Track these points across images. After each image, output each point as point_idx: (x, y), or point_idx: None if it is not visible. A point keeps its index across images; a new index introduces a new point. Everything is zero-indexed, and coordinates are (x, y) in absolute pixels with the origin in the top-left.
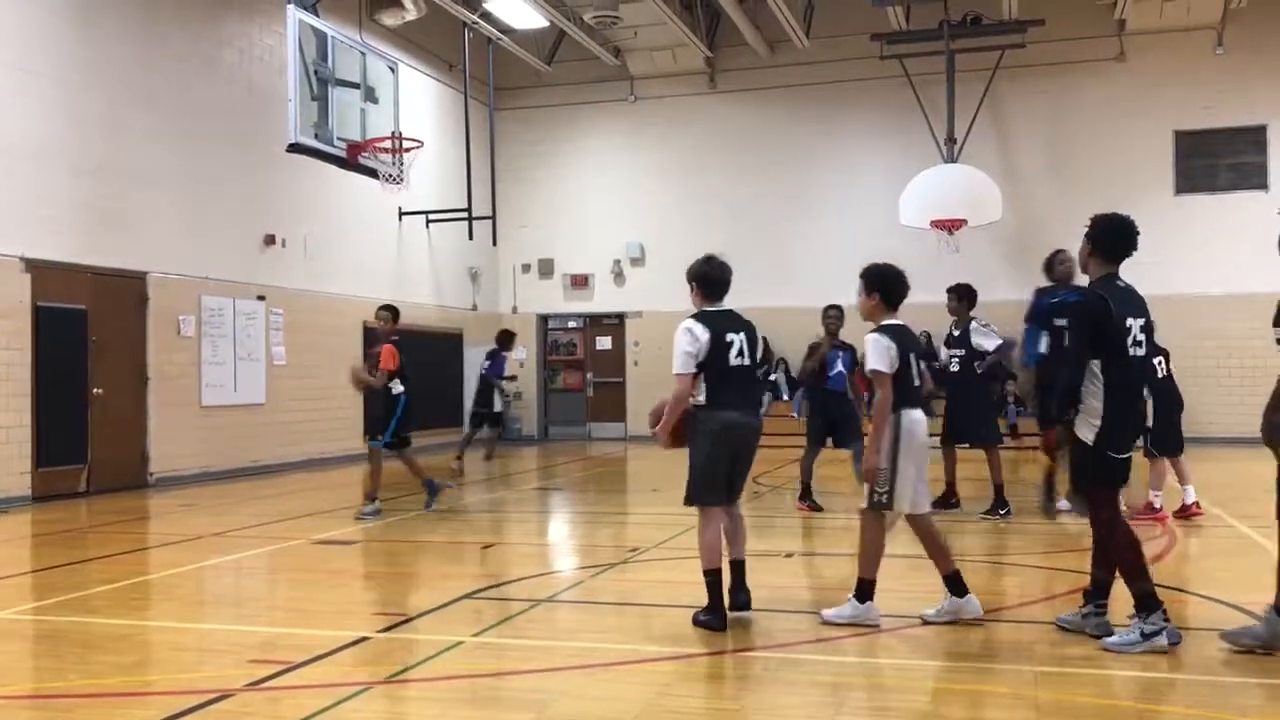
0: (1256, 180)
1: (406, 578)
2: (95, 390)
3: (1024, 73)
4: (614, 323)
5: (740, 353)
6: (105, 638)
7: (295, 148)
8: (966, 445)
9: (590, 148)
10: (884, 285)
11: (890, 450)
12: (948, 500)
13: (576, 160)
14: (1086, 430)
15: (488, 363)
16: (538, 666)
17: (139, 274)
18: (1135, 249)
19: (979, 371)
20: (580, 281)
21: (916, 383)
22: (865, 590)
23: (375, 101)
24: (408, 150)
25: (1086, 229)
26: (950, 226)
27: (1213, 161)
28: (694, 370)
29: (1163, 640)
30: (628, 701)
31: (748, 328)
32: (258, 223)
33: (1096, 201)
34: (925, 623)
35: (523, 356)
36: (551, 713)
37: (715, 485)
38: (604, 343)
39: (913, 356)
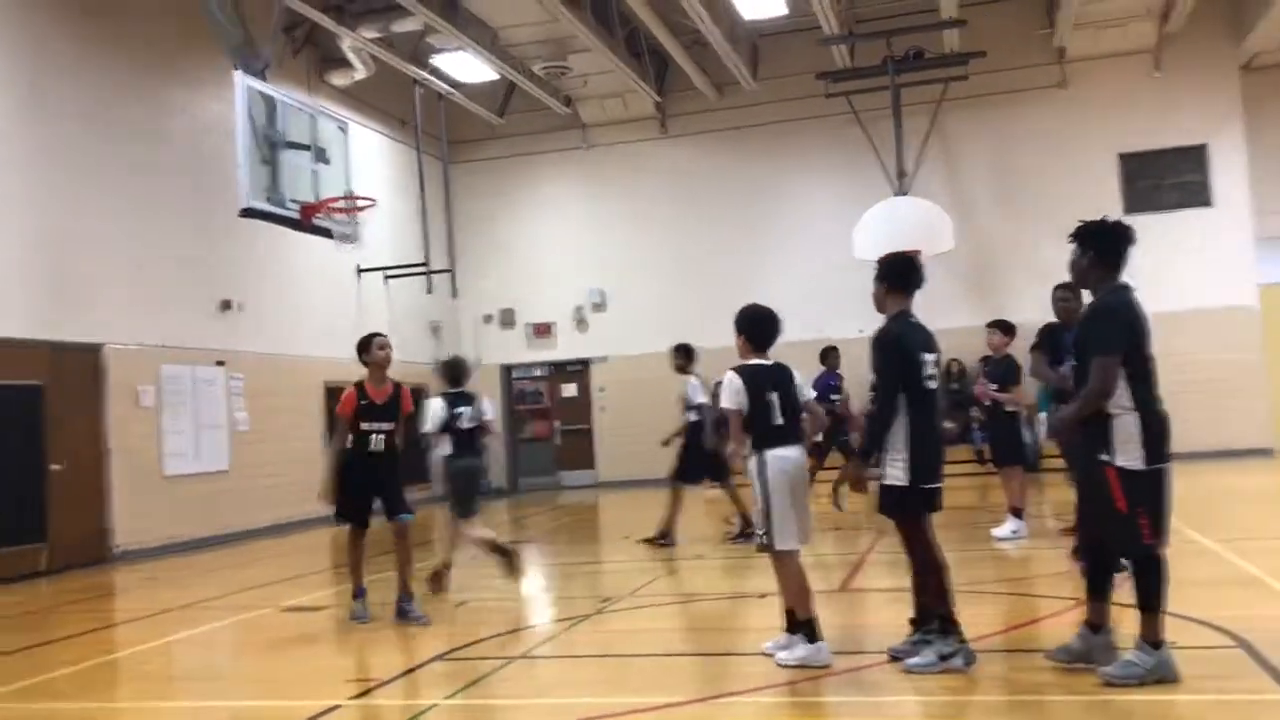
0: (1200, 198)
1: (378, 641)
2: (54, 466)
3: (969, 104)
4: (578, 369)
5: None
6: None
7: (247, 212)
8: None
9: (546, 196)
10: (750, 327)
11: (763, 491)
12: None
13: (533, 209)
14: (895, 465)
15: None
16: None
17: (95, 346)
18: (923, 282)
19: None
20: (543, 330)
21: (779, 421)
22: (810, 630)
23: (327, 162)
24: (362, 209)
25: (877, 273)
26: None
27: (1157, 181)
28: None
29: (959, 661)
30: None
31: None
32: (214, 288)
33: (1048, 227)
34: (774, 660)
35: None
36: None
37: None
38: (569, 390)
39: (775, 396)
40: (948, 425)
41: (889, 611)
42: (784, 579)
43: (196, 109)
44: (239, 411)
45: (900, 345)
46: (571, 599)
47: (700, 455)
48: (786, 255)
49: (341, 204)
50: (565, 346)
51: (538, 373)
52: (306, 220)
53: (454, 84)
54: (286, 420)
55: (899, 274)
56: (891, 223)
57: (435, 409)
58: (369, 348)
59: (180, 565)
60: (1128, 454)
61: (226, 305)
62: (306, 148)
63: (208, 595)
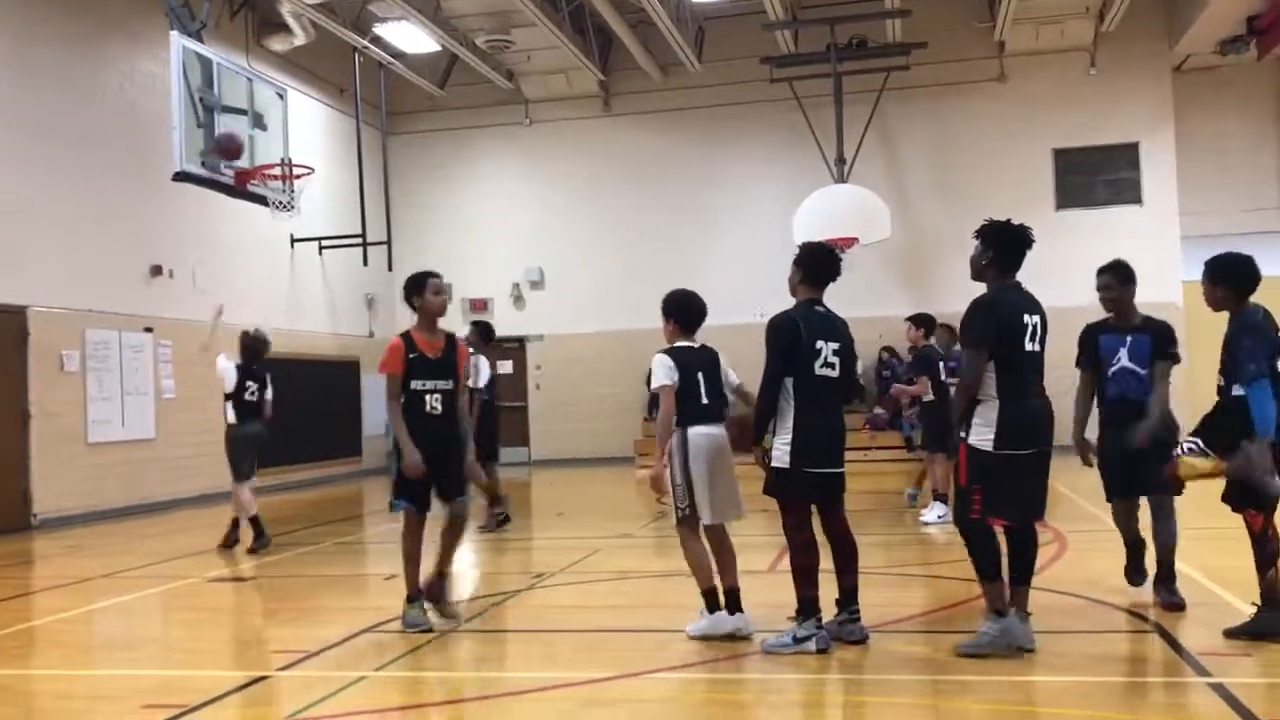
0: (1131, 195)
1: (306, 613)
2: None
3: (909, 94)
4: (514, 346)
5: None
6: None
7: (181, 176)
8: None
9: (486, 172)
10: (678, 311)
11: (683, 465)
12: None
13: (473, 184)
14: (780, 447)
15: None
16: (442, 699)
17: (18, 308)
18: (838, 275)
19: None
20: (480, 305)
21: (704, 401)
22: (710, 601)
23: (264, 128)
24: (298, 177)
25: (795, 257)
26: (843, 245)
27: (1090, 178)
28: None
29: (812, 645)
30: None
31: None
32: (144, 253)
33: (981, 218)
34: (690, 638)
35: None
36: None
37: None
38: (505, 367)
39: (701, 376)
40: (878, 411)
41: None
42: (689, 550)
43: (130, 67)
44: (166, 379)
45: (788, 331)
46: (503, 574)
47: (484, 434)
48: (727, 238)
49: (278, 171)
50: (502, 323)
51: (473, 349)
52: (241, 187)
53: (395, 54)
54: (215, 390)
55: (815, 264)
56: (830, 209)
57: (228, 373)
58: (421, 289)
59: (103, 533)
60: (979, 434)
61: (157, 271)
62: (243, 112)
63: (131, 564)
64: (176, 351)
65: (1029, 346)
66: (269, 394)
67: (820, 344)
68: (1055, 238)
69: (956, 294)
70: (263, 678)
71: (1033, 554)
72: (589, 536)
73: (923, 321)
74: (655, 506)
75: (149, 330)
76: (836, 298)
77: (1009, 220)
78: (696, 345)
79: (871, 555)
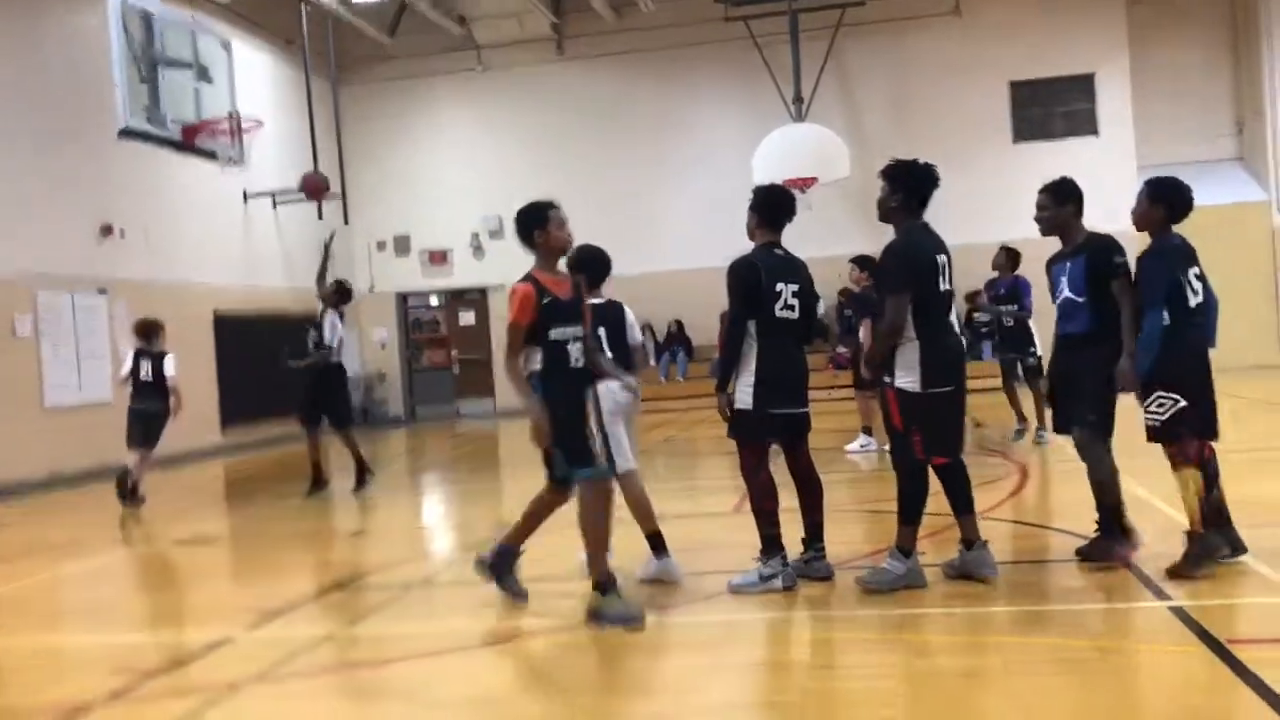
0: (1087, 126)
1: (274, 572)
2: None
3: (865, 30)
4: (476, 297)
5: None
6: None
7: (126, 133)
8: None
9: (441, 120)
10: (584, 268)
11: (595, 418)
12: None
13: (428, 134)
14: (743, 389)
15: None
16: (413, 652)
17: None
18: (793, 215)
19: None
20: (438, 257)
21: (609, 355)
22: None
23: (209, 81)
24: (247, 131)
25: (750, 202)
26: (802, 185)
27: (1047, 110)
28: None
29: (778, 583)
30: (507, 679)
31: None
32: (93, 213)
33: (939, 154)
34: (640, 581)
35: (384, 337)
36: (429, 697)
37: None
38: (467, 318)
39: (604, 331)
40: (841, 350)
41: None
42: (590, 501)
43: (70, 21)
44: (123, 341)
45: (748, 275)
46: (470, 526)
47: (330, 397)
48: (686, 181)
49: (225, 125)
50: (462, 274)
51: (434, 301)
52: (189, 142)
53: (343, 1)
54: (173, 350)
55: (771, 206)
56: (789, 149)
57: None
58: (543, 221)
59: (64, 498)
60: (905, 377)
61: (107, 231)
62: (188, 66)
63: (94, 529)
64: (132, 312)
65: (943, 286)
66: (169, 369)
67: (780, 286)
68: (1013, 171)
69: None
70: (231, 639)
71: (968, 484)
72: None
73: (865, 263)
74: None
75: (102, 292)
76: (796, 238)
77: (915, 159)
78: (603, 300)
79: (836, 492)
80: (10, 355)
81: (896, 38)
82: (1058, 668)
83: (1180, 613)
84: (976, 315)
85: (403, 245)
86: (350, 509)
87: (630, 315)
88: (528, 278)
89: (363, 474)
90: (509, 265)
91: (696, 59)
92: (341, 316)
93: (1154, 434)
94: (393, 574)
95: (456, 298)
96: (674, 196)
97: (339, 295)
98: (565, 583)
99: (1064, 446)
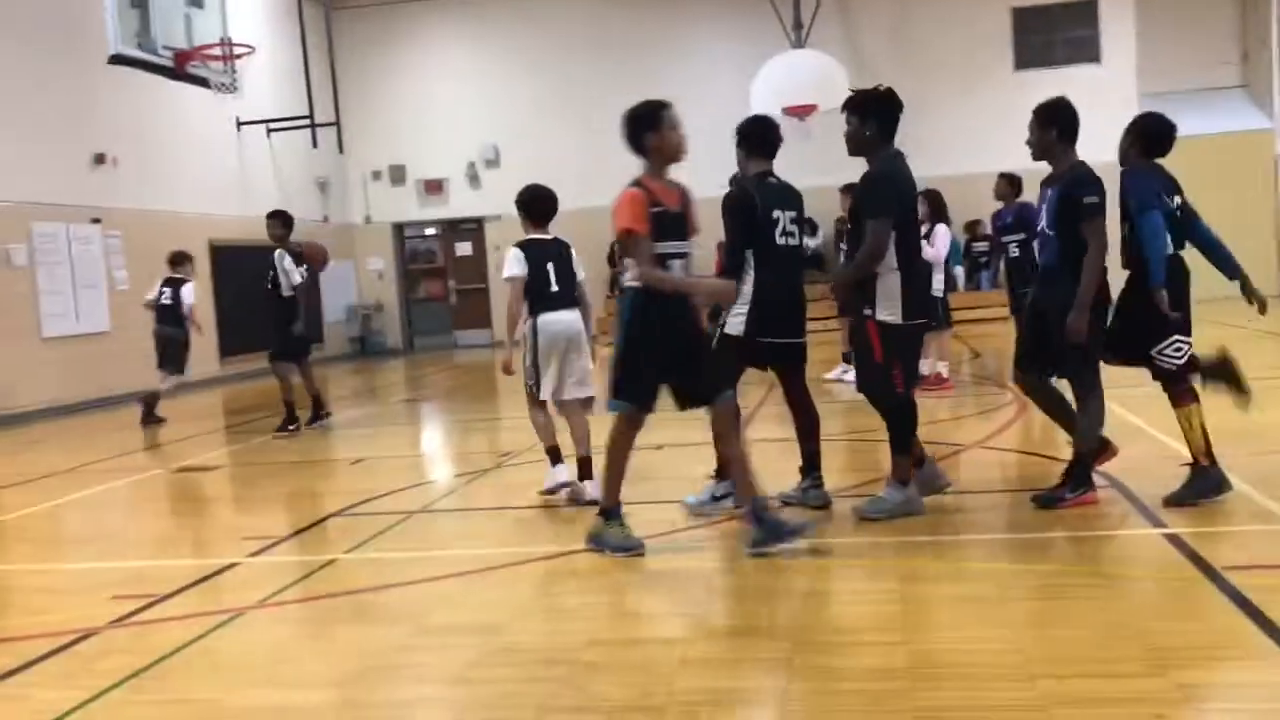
0: (1089, 53)
1: (274, 500)
2: None
3: None
4: (473, 228)
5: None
6: None
7: (117, 59)
8: None
9: (436, 47)
10: (529, 206)
11: (531, 349)
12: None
13: (422, 60)
14: (735, 316)
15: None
16: (413, 578)
17: None
18: (781, 142)
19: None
20: (434, 187)
21: (554, 289)
22: (553, 458)
23: (200, 6)
24: (239, 56)
25: (736, 139)
26: (802, 113)
27: (1049, 37)
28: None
29: (728, 504)
30: (505, 604)
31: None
32: (85, 141)
33: (939, 81)
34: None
35: (380, 267)
36: (429, 622)
37: None
38: (464, 249)
39: (551, 266)
40: None
41: (782, 461)
42: (533, 418)
43: None
44: (118, 270)
45: (745, 204)
46: (470, 454)
47: (290, 336)
48: (684, 108)
49: (217, 51)
50: (458, 204)
51: (430, 231)
52: (181, 68)
53: None
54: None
55: (759, 137)
56: (788, 76)
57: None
58: (657, 122)
59: (65, 428)
60: (888, 309)
61: (100, 159)
62: None
63: (95, 458)
64: (127, 242)
65: (918, 216)
66: (186, 298)
67: (778, 213)
68: (1014, 99)
69: (918, 158)
70: (232, 565)
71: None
72: (556, 415)
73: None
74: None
75: (96, 221)
76: (797, 167)
77: (877, 86)
78: (549, 237)
79: (834, 422)
80: (6, 285)
81: None
82: (1054, 593)
83: (1176, 540)
84: (975, 245)
85: (398, 175)
86: (346, 439)
87: (574, 252)
88: (636, 183)
89: (291, 417)
90: (506, 195)
91: None
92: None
93: (1168, 375)
94: (392, 501)
95: (453, 228)
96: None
97: (286, 228)
98: (576, 508)
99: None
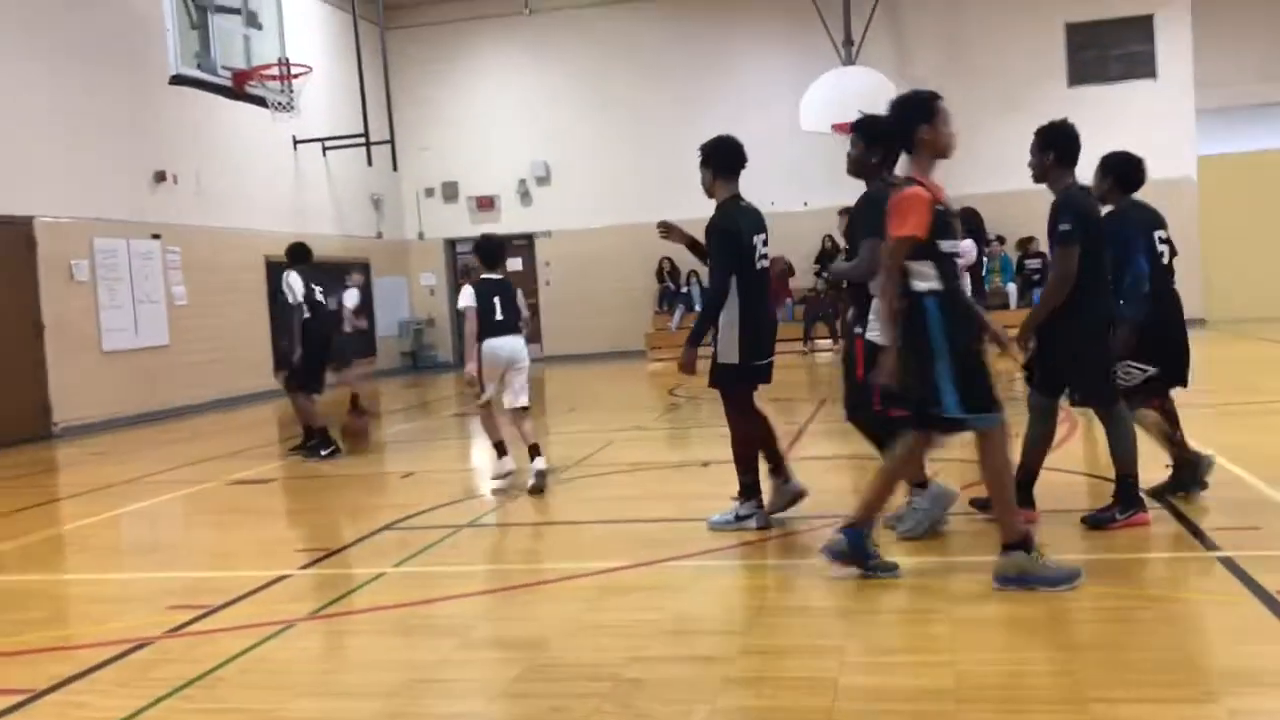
0: (1145, 69)
1: (326, 513)
2: None
3: None
4: (523, 244)
5: None
6: (15, 595)
7: (178, 79)
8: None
9: (488, 65)
10: (482, 252)
11: (479, 367)
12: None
13: (475, 78)
14: (728, 344)
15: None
16: (461, 592)
17: (25, 219)
18: (745, 161)
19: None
20: (486, 203)
21: (499, 318)
22: (499, 450)
23: (259, 27)
24: (296, 76)
25: (700, 159)
26: (850, 130)
27: (1103, 52)
28: None
29: (752, 523)
30: (551, 619)
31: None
32: (146, 159)
33: (993, 98)
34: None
35: (432, 283)
36: (475, 636)
37: None
38: (514, 264)
39: (497, 300)
40: None
41: (830, 478)
42: (482, 422)
43: None
44: (177, 286)
45: (732, 235)
46: (518, 470)
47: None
48: (733, 126)
49: (275, 71)
50: (509, 220)
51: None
52: (239, 88)
53: None
54: (226, 295)
55: (726, 156)
56: (838, 94)
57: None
58: (930, 114)
59: (123, 441)
60: (878, 329)
61: (161, 177)
62: (237, 11)
63: (153, 470)
64: (185, 257)
65: None
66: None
67: (755, 239)
68: (1068, 115)
69: (965, 178)
70: (285, 576)
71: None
72: (602, 430)
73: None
74: (668, 399)
75: (157, 237)
76: (848, 186)
77: (903, 101)
78: (497, 277)
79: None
80: (69, 300)
81: None
82: (1105, 616)
83: (1229, 563)
84: (1027, 262)
85: (450, 192)
86: (400, 453)
87: (519, 292)
88: (910, 181)
89: (309, 439)
90: (557, 211)
91: (746, 2)
92: (302, 275)
93: (1120, 393)
94: (441, 516)
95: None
96: None
97: (292, 255)
98: (622, 524)
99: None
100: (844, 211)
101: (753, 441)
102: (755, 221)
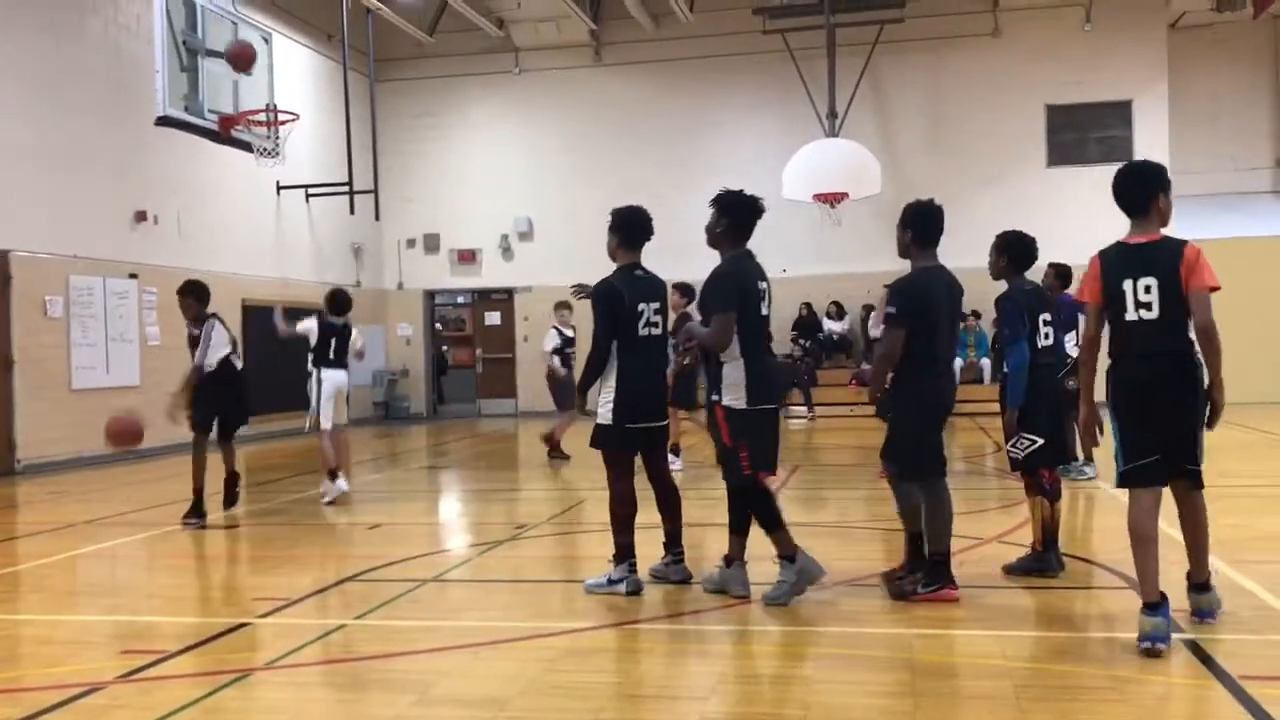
0: (1122, 153)
1: (288, 561)
2: None
3: (903, 47)
4: (503, 298)
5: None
6: None
7: (164, 120)
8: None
9: (475, 121)
10: (330, 301)
11: (317, 394)
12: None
13: (461, 133)
14: (604, 405)
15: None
16: (422, 647)
17: (1, 253)
18: (651, 235)
19: None
20: (467, 257)
21: (333, 356)
22: (331, 475)
23: (248, 73)
24: (283, 123)
25: (609, 224)
26: (832, 200)
27: (1082, 135)
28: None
29: (623, 588)
30: (512, 679)
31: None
32: (128, 198)
33: (972, 175)
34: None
35: (409, 333)
36: (435, 693)
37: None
38: (493, 318)
39: (333, 340)
40: (865, 367)
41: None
42: (321, 446)
43: (116, 9)
44: (151, 326)
45: (612, 299)
46: (487, 525)
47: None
48: (714, 189)
49: (262, 117)
50: (490, 274)
51: (461, 300)
52: (225, 132)
53: None
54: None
55: (630, 227)
56: (821, 163)
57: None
58: (1168, 185)
59: (87, 480)
60: (732, 395)
61: (142, 216)
62: None
63: (115, 511)
64: (161, 298)
65: (764, 311)
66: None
67: (642, 306)
68: (1046, 195)
69: (946, 249)
70: (243, 624)
71: (772, 501)
72: (575, 488)
73: (684, 290)
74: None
75: (134, 276)
76: (826, 253)
77: (742, 190)
78: (340, 321)
79: (853, 509)
80: (41, 336)
81: (934, 56)
82: (1069, 695)
83: (1194, 646)
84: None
85: (432, 243)
86: (368, 504)
87: (356, 332)
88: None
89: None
90: (538, 267)
91: (732, 70)
92: (220, 322)
93: (1014, 466)
94: (406, 569)
95: (483, 297)
96: (702, 206)
97: (199, 298)
98: (573, 586)
99: (1102, 481)
100: (674, 286)
101: (627, 504)
102: (647, 289)
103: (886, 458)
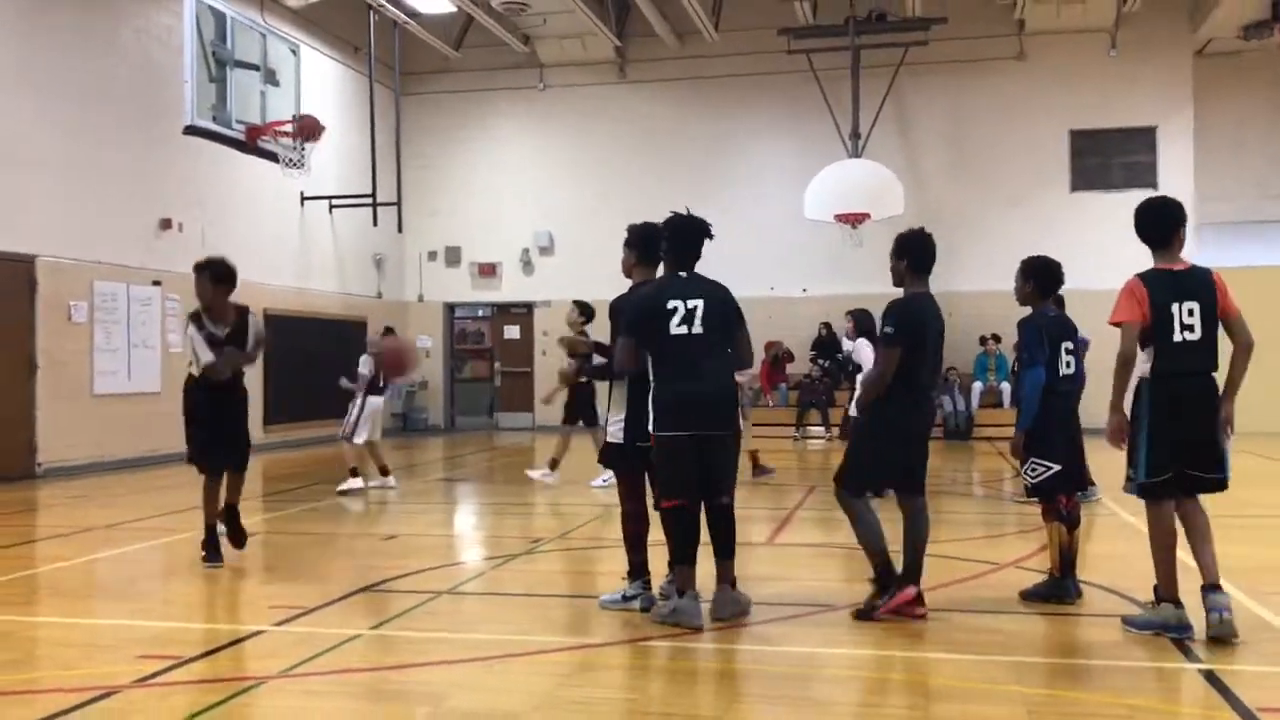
0: (1147, 179)
1: (305, 570)
2: None
3: (927, 70)
4: (522, 312)
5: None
6: None
7: (192, 130)
8: None
9: (499, 135)
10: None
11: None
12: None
13: (485, 147)
14: (615, 425)
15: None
16: (436, 659)
17: (27, 258)
18: (660, 252)
19: None
20: (488, 270)
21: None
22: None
23: (276, 84)
24: (310, 139)
25: (625, 239)
26: (853, 220)
27: (1106, 160)
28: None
29: (637, 604)
30: (526, 693)
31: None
32: (153, 206)
33: (996, 197)
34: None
35: (429, 345)
36: (448, 706)
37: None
38: (512, 332)
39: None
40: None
41: (816, 565)
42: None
43: (144, 19)
44: (173, 333)
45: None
46: (502, 538)
47: None
48: (737, 210)
49: (289, 128)
50: (510, 288)
51: (480, 313)
52: (251, 142)
53: (411, 13)
54: None
55: (645, 244)
56: (843, 184)
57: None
58: (1184, 219)
59: (107, 485)
60: (650, 423)
61: (166, 224)
62: (256, 68)
63: (134, 516)
64: (185, 306)
65: (674, 331)
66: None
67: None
68: (1069, 219)
69: (969, 272)
70: (259, 632)
71: (722, 529)
72: (593, 503)
73: (583, 309)
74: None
75: (157, 283)
76: (848, 275)
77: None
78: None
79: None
80: (65, 341)
81: (958, 78)
82: None
83: (1211, 677)
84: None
85: (453, 256)
86: (380, 513)
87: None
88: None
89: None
90: (558, 282)
91: (756, 89)
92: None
93: (1029, 492)
94: (422, 580)
95: (502, 311)
96: (723, 224)
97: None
98: (589, 601)
99: (1111, 502)
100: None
101: (639, 521)
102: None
103: (835, 477)
